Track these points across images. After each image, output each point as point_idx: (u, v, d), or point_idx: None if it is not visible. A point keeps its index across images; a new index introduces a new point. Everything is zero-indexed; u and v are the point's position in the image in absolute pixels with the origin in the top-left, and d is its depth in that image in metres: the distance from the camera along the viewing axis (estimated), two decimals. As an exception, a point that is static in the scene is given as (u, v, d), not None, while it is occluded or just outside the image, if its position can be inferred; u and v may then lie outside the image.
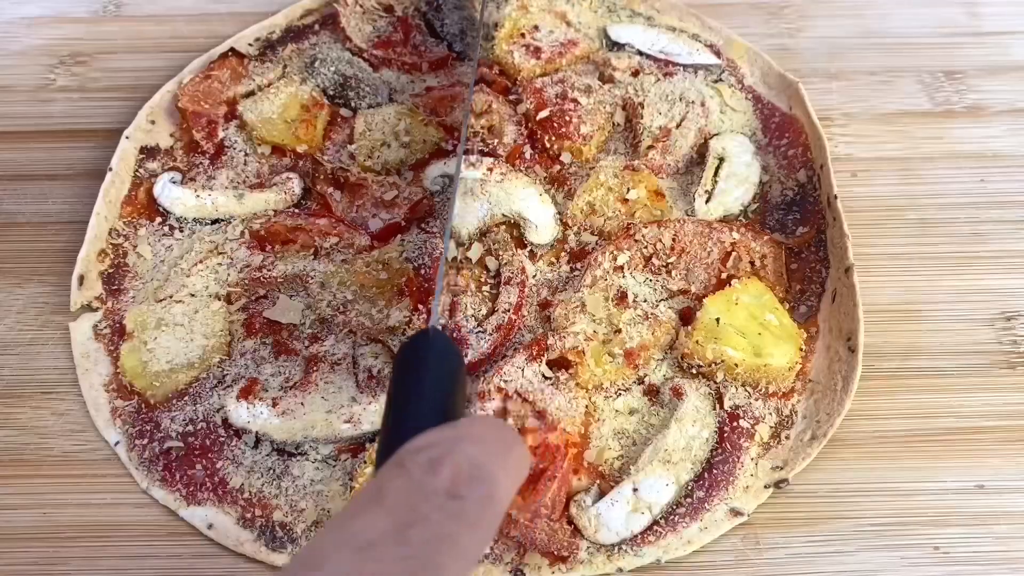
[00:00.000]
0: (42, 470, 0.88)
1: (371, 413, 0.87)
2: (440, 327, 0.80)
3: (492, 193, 0.97)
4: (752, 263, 0.95)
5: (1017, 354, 0.93)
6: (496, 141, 1.02)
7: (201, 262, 0.97)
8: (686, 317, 0.91)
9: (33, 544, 0.84)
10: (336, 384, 0.90)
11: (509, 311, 0.91)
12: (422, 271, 0.96)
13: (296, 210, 1.02)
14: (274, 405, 0.88)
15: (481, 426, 0.71)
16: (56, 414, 0.91)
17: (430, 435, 0.61)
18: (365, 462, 0.85)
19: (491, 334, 0.90)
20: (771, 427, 0.87)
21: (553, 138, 1.02)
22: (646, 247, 0.94)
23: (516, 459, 0.64)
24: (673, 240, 0.95)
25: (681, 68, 1.10)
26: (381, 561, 0.53)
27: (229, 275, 0.97)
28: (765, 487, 0.84)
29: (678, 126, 1.04)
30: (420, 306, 0.93)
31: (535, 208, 0.98)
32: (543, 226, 0.97)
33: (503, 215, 0.97)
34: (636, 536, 0.82)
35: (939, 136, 1.10)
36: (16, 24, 1.22)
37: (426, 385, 0.70)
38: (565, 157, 1.02)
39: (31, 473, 0.88)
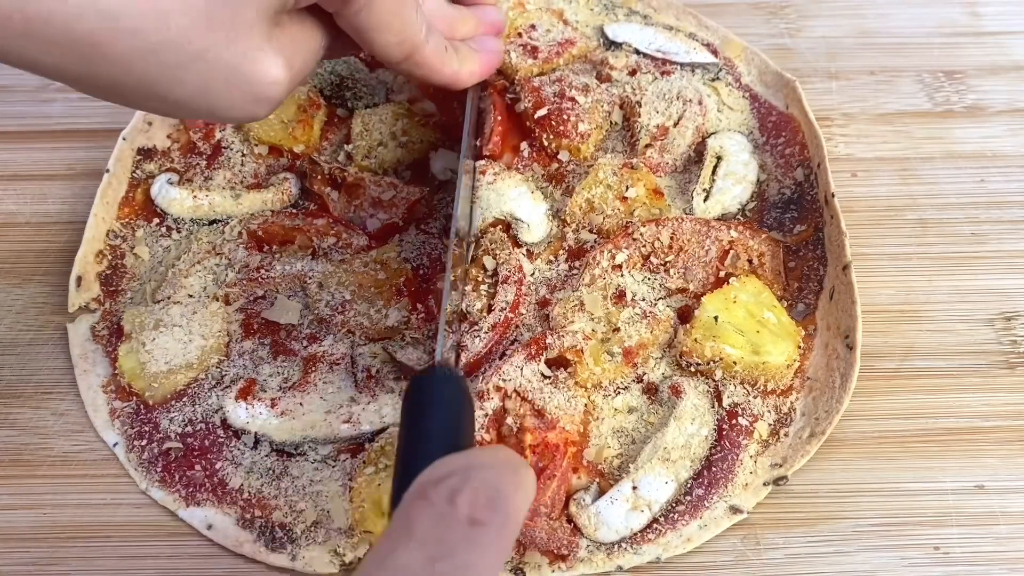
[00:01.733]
0: (41, 470, 0.88)
1: (370, 413, 0.87)
2: (446, 361, 0.81)
3: (484, 197, 0.97)
4: (750, 261, 0.95)
5: (1017, 354, 0.93)
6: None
7: (199, 263, 0.97)
8: (684, 315, 0.91)
9: (32, 544, 0.84)
10: (335, 384, 0.90)
11: (506, 309, 0.91)
12: (420, 271, 0.97)
13: (294, 210, 1.02)
14: (273, 405, 0.88)
15: (491, 452, 0.75)
16: (56, 414, 0.91)
17: (446, 463, 0.63)
18: (364, 462, 0.84)
19: (487, 333, 0.90)
20: (770, 425, 0.87)
21: (551, 136, 1.02)
22: (644, 245, 0.94)
23: (526, 480, 0.66)
24: (671, 238, 0.94)
25: (678, 67, 1.09)
26: None
27: (227, 275, 0.97)
28: (764, 484, 0.84)
29: (676, 124, 1.03)
30: (418, 305, 0.94)
31: (526, 207, 0.97)
32: (535, 224, 0.97)
33: (495, 217, 0.96)
34: (636, 534, 0.82)
35: (939, 136, 1.10)
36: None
37: (436, 420, 0.71)
38: (563, 155, 1.02)
39: (30, 473, 0.88)
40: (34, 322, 0.97)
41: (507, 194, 0.98)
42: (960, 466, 0.87)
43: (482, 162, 1.00)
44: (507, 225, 0.97)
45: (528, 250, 0.97)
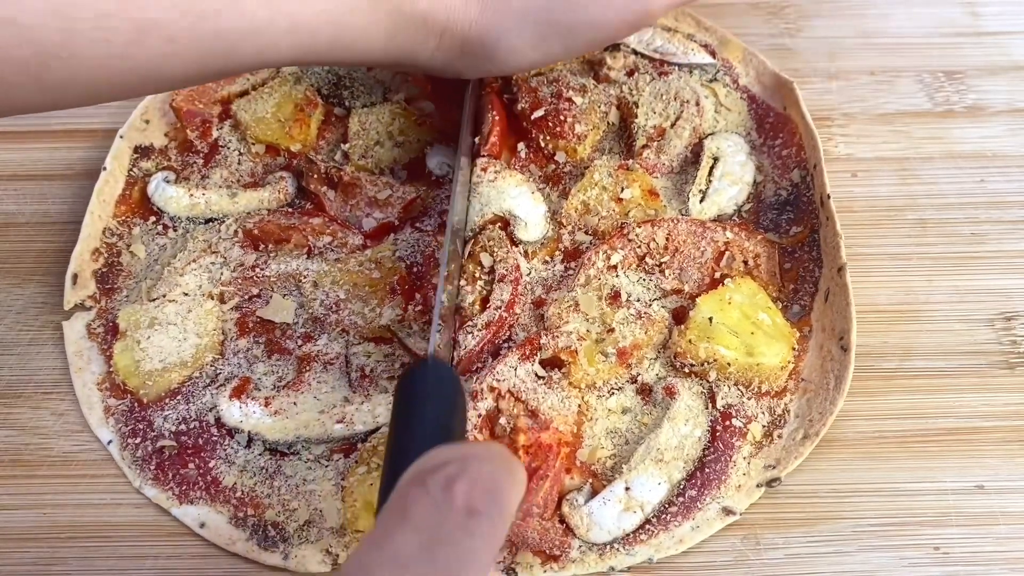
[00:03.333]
0: (41, 470, 0.88)
1: (364, 413, 0.87)
2: (437, 355, 0.81)
3: (484, 193, 0.97)
4: (746, 262, 0.95)
5: (1016, 354, 0.92)
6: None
7: (194, 261, 0.97)
8: (679, 316, 0.91)
9: (32, 544, 0.84)
10: (329, 384, 0.90)
11: (501, 308, 0.91)
12: (415, 269, 0.97)
13: (290, 209, 1.02)
14: (266, 404, 0.88)
15: (485, 446, 0.76)
16: (55, 414, 0.91)
17: (442, 452, 0.63)
18: (357, 462, 0.85)
19: (480, 330, 0.90)
20: (764, 426, 0.87)
21: (548, 137, 1.02)
22: (640, 246, 0.94)
23: (519, 476, 0.65)
24: (667, 239, 0.94)
25: (676, 67, 1.09)
26: None
27: (222, 274, 0.97)
28: (757, 486, 0.84)
29: (672, 125, 1.03)
30: (416, 295, 0.94)
31: (526, 206, 0.97)
32: (533, 223, 0.97)
33: (494, 213, 0.96)
34: (628, 535, 0.81)
35: (939, 136, 1.09)
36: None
37: (428, 412, 0.71)
38: (560, 156, 1.02)
39: (30, 473, 0.88)
40: (34, 322, 0.97)
41: (508, 192, 0.98)
42: (960, 466, 0.86)
43: (483, 159, 1.00)
44: (505, 223, 0.97)
45: (524, 249, 0.97)
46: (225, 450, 0.87)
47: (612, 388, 0.89)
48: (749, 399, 0.88)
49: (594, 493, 0.83)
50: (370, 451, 0.85)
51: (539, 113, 1.01)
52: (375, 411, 0.87)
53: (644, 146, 1.02)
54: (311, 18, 0.83)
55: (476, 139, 1.02)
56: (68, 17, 0.72)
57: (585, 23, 0.91)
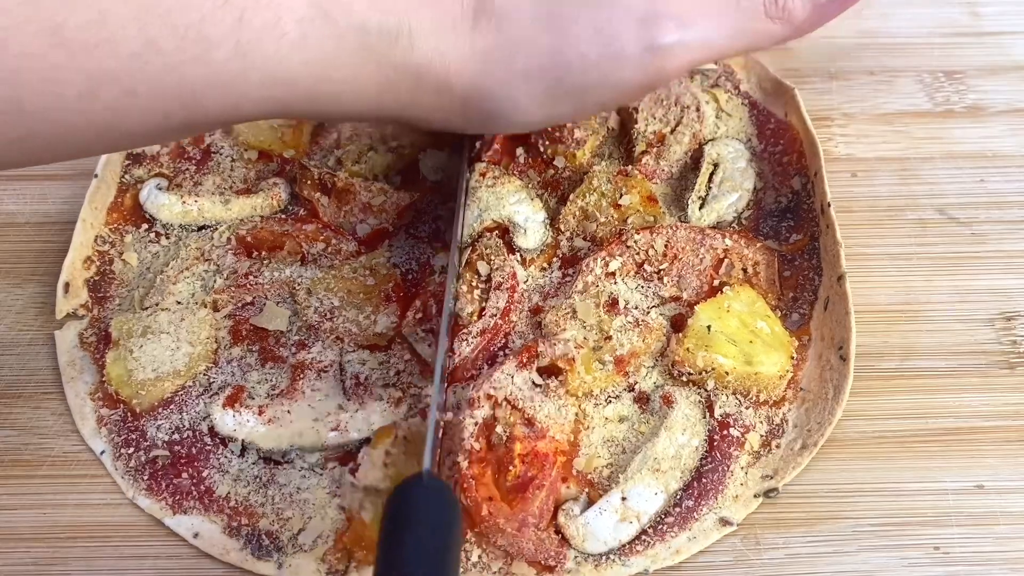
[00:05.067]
0: (41, 470, 0.88)
1: (358, 421, 0.87)
2: (434, 472, 0.77)
3: (483, 198, 0.97)
4: (745, 270, 0.94)
5: (1017, 354, 0.92)
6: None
7: (187, 269, 0.96)
8: (677, 324, 0.90)
9: (32, 544, 0.84)
10: (323, 391, 0.89)
11: (496, 315, 0.90)
12: (409, 276, 0.96)
13: (283, 216, 1.01)
14: (260, 413, 0.87)
15: None
16: (56, 414, 0.91)
17: None
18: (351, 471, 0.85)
19: (475, 338, 0.89)
20: (761, 436, 0.86)
21: (547, 142, 1.01)
22: (638, 253, 0.93)
23: None
24: (666, 246, 0.94)
25: (677, 72, 1.09)
26: None
27: (216, 282, 0.96)
28: (755, 496, 0.83)
29: (672, 131, 1.02)
30: (416, 302, 0.93)
31: (526, 212, 0.97)
32: (532, 230, 0.96)
33: (493, 220, 0.96)
34: (624, 545, 0.81)
35: (939, 136, 1.09)
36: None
37: (420, 537, 0.68)
38: (559, 162, 1.01)
39: (30, 473, 0.88)
40: (34, 322, 0.97)
41: (507, 198, 0.97)
42: (960, 466, 0.86)
43: (483, 164, 0.99)
44: (504, 230, 0.96)
45: (522, 256, 0.96)
46: (219, 459, 0.87)
47: (609, 396, 0.88)
48: (747, 408, 0.87)
49: (590, 503, 0.82)
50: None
51: (538, 118, 1.01)
52: (370, 418, 0.87)
53: (644, 152, 1.02)
54: (289, 71, 0.75)
55: (478, 143, 1.02)
56: (13, 70, 0.66)
57: (597, 85, 0.84)
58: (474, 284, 0.93)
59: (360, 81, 0.78)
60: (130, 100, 0.70)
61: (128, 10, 0.67)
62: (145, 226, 1.01)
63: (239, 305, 0.95)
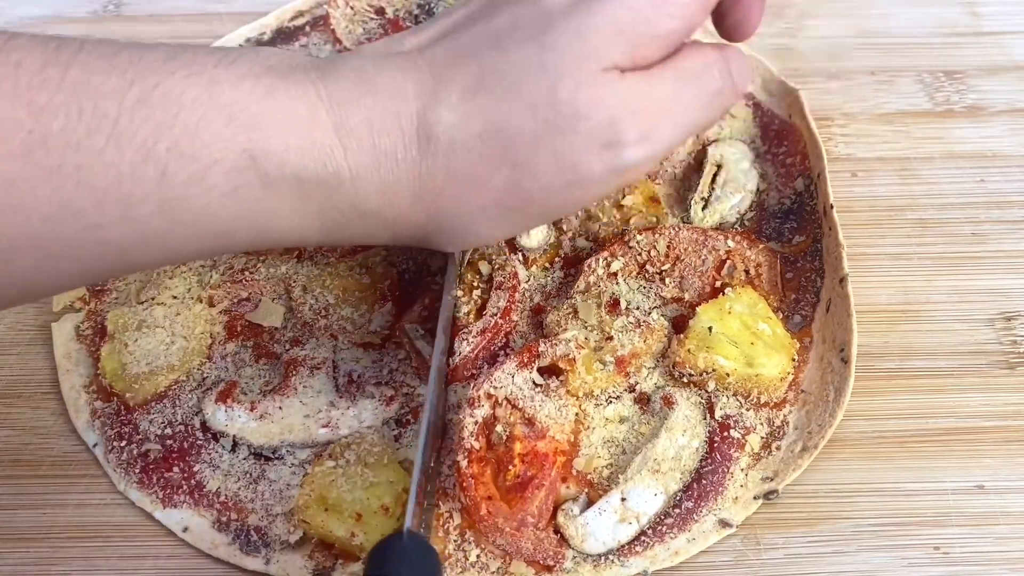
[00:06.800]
0: (41, 470, 0.87)
1: (349, 417, 0.87)
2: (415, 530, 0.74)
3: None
4: (747, 271, 0.94)
5: (1017, 354, 0.92)
6: None
7: (184, 263, 0.96)
8: (679, 325, 0.90)
9: (33, 544, 0.83)
10: (315, 388, 0.89)
11: (496, 315, 0.90)
12: (405, 275, 0.96)
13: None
14: (252, 409, 0.87)
15: None
16: (56, 414, 0.90)
17: None
18: (329, 455, 0.85)
19: (475, 337, 0.89)
20: (762, 437, 0.86)
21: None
22: (640, 254, 0.93)
23: None
24: (668, 247, 0.93)
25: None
26: None
27: (211, 277, 0.96)
28: (755, 498, 0.83)
29: (676, 132, 1.03)
30: (410, 305, 0.93)
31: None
32: (534, 230, 0.96)
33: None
34: (623, 546, 0.81)
35: (939, 136, 1.09)
36: (15, 25, 1.21)
37: None
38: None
39: (31, 473, 0.87)
40: (34, 322, 0.96)
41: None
42: (960, 466, 0.86)
43: None
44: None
45: (524, 255, 0.96)
46: (210, 454, 0.87)
47: (610, 397, 0.88)
48: (748, 410, 0.87)
49: (590, 503, 0.82)
50: (343, 446, 0.84)
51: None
52: (361, 415, 0.87)
53: (646, 152, 1.02)
54: (222, 224, 0.69)
55: None
56: None
57: (559, 207, 0.80)
58: (475, 284, 0.93)
59: (303, 225, 0.73)
60: (51, 263, 0.66)
61: (39, 172, 0.61)
62: (142, 220, 1.01)
63: (234, 301, 0.95)
